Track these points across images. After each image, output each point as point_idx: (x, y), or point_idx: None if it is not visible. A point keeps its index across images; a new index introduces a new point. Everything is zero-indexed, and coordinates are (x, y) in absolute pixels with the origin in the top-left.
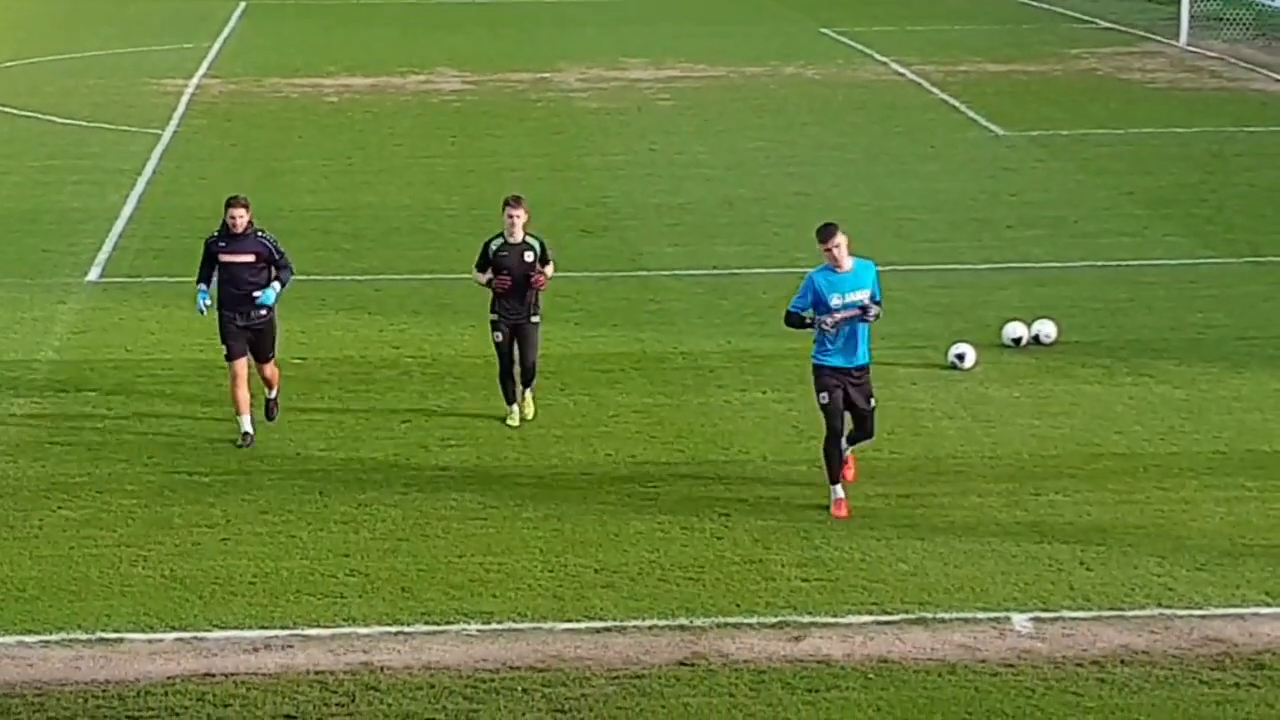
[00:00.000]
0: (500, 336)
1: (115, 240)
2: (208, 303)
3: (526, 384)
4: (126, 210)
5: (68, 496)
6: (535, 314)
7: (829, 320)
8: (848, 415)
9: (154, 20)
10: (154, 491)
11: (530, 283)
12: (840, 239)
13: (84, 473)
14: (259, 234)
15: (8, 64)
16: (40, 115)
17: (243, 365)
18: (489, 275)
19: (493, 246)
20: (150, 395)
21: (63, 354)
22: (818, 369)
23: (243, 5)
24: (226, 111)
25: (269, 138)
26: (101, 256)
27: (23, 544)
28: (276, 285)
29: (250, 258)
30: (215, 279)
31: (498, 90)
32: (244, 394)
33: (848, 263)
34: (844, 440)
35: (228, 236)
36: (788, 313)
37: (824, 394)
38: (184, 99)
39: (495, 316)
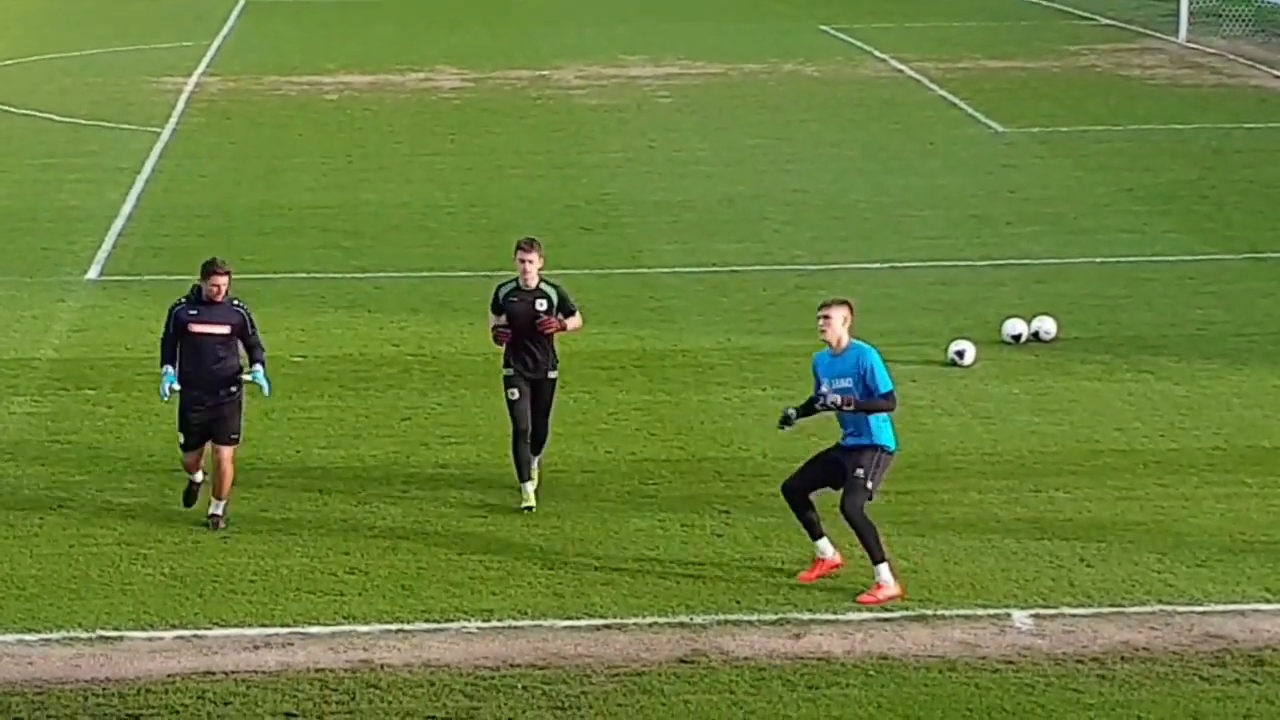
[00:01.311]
0: (516, 394)
1: (114, 238)
2: (175, 386)
3: (536, 450)
4: (126, 208)
5: (67, 495)
6: (553, 368)
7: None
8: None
9: (153, 18)
10: (154, 490)
11: (537, 327)
12: (833, 312)
13: (84, 471)
14: (234, 302)
15: (6, 62)
16: (39, 113)
17: (198, 457)
18: (500, 319)
19: (503, 291)
20: (150, 393)
21: (62, 352)
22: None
23: (242, 3)
24: (226, 109)
25: (268, 135)
26: (101, 255)
27: (23, 542)
28: (260, 367)
29: (225, 329)
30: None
31: (497, 88)
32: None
33: (840, 344)
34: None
35: (200, 304)
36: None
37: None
38: (183, 97)
39: (509, 371)
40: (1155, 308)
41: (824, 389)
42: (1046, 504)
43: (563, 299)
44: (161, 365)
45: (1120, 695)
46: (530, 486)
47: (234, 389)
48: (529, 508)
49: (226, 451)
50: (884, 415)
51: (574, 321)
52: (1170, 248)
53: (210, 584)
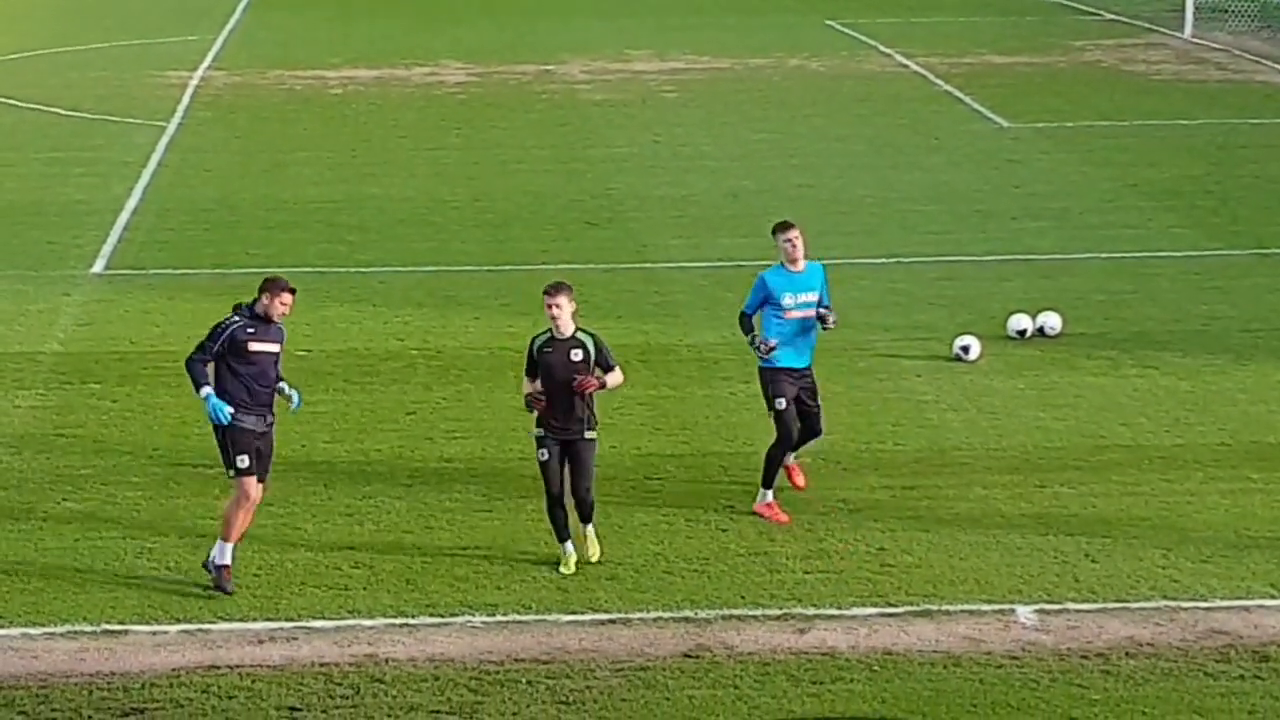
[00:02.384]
0: (546, 455)
1: (120, 232)
2: (231, 410)
3: (584, 520)
4: (131, 202)
5: (73, 488)
6: (590, 428)
7: (764, 346)
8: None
9: (158, 12)
10: (159, 484)
11: (575, 388)
12: (796, 234)
13: (89, 465)
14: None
15: (11, 56)
16: (45, 107)
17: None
18: (535, 386)
19: (537, 344)
20: (155, 387)
21: (68, 346)
22: (772, 372)
23: None
24: (231, 103)
25: (273, 130)
26: (106, 249)
27: (28, 536)
28: (285, 383)
29: (277, 347)
30: (218, 375)
31: (502, 82)
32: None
33: (802, 261)
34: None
35: (258, 321)
36: (741, 315)
37: (781, 399)
38: (188, 91)
39: (540, 431)
40: (1161, 303)
41: (804, 309)
42: (1051, 499)
43: (599, 350)
44: (199, 388)
45: (1125, 691)
46: (570, 546)
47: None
48: (569, 573)
49: (262, 487)
50: None
51: (614, 378)
52: (1176, 243)
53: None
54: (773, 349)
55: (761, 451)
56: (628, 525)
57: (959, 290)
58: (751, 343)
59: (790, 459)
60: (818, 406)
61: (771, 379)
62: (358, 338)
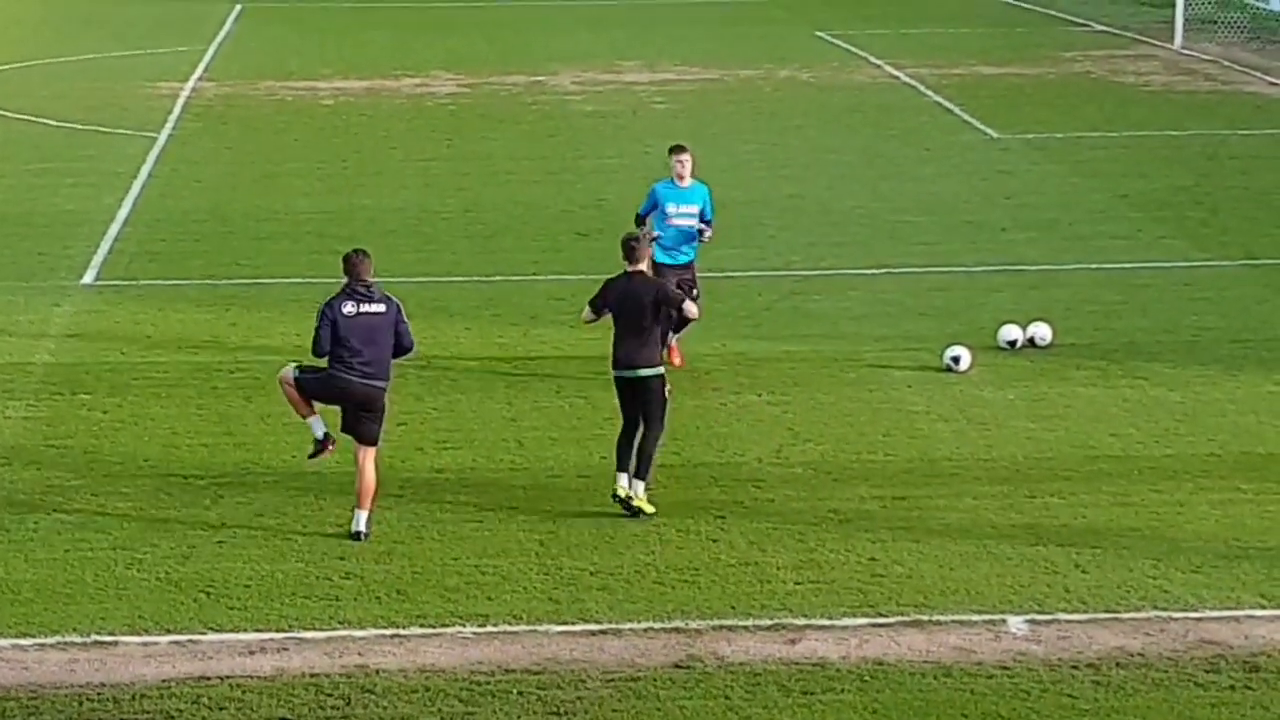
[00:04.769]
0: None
1: (110, 243)
2: None
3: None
4: (122, 213)
5: (63, 499)
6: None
7: (649, 236)
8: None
9: (149, 23)
10: (149, 494)
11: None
12: (687, 157)
13: (79, 476)
14: None
15: (2, 67)
16: (34, 118)
17: None
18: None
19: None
20: (146, 398)
21: (58, 357)
22: (658, 266)
23: (238, 8)
24: (222, 114)
25: (264, 141)
26: (96, 259)
27: (18, 547)
28: None
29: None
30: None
31: (493, 93)
32: None
33: (688, 180)
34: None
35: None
36: (637, 216)
37: None
38: (179, 102)
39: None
40: (1150, 314)
41: (685, 219)
42: (1042, 510)
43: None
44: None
45: (1115, 701)
46: (624, 478)
47: None
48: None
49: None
50: None
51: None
52: (1165, 254)
53: (205, 588)
54: (655, 238)
55: (752, 460)
56: (618, 535)
57: (949, 301)
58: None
59: (672, 339)
60: (694, 297)
61: (660, 271)
62: None
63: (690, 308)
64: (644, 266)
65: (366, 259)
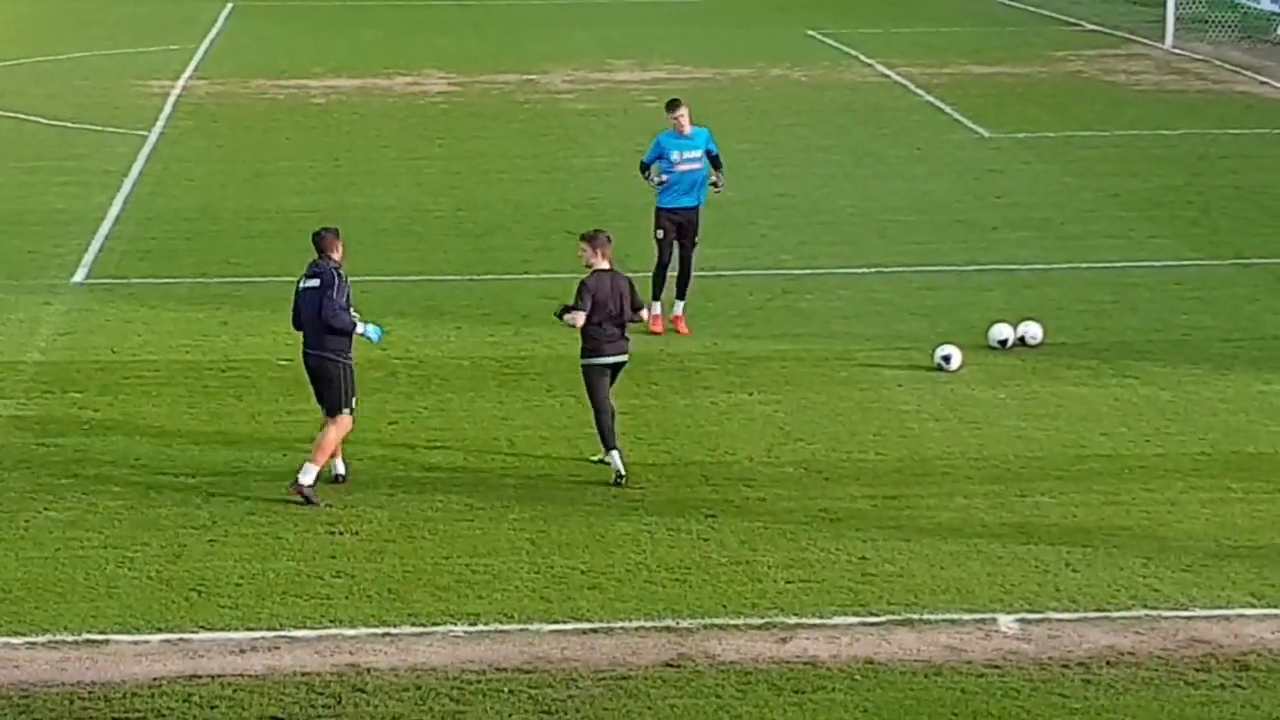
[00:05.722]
0: (662, 234)
1: (101, 242)
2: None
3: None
4: (113, 212)
5: (54, 498)
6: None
7: (655, 179)
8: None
9: (140, 22)
10: (140, 493)
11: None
12: (684, 111)
13: (70, 474)
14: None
15: None
16: (25, 116)
17: None
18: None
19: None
20: (136, 397)
21: (49, 355)
22: (660, 210)
23: (229, 6)
24: (213, 113)
25: (255, 139)
26: (87, 258)
27: (9, 545)
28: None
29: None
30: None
31: (485, 92)
32: None
33: (688, 129)
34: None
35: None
36: (641, 163)
37: (660, 230)
38: (170, 100)
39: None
40: (1141, 313)
41: (690, 164)
42: (1032, 509)
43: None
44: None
45: (1105, 700)
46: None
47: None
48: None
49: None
50: None
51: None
52: (1156, 253)
53: (196, 587)
54: (664, 182)
55: (743, 459)
56: (609, 534)
57: (940, 300)
58: (646, 177)
59: (655, 307)
60: (692, 244)
61: (659, 215)
62: None
63: (645, 313)
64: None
65: (330, 236)
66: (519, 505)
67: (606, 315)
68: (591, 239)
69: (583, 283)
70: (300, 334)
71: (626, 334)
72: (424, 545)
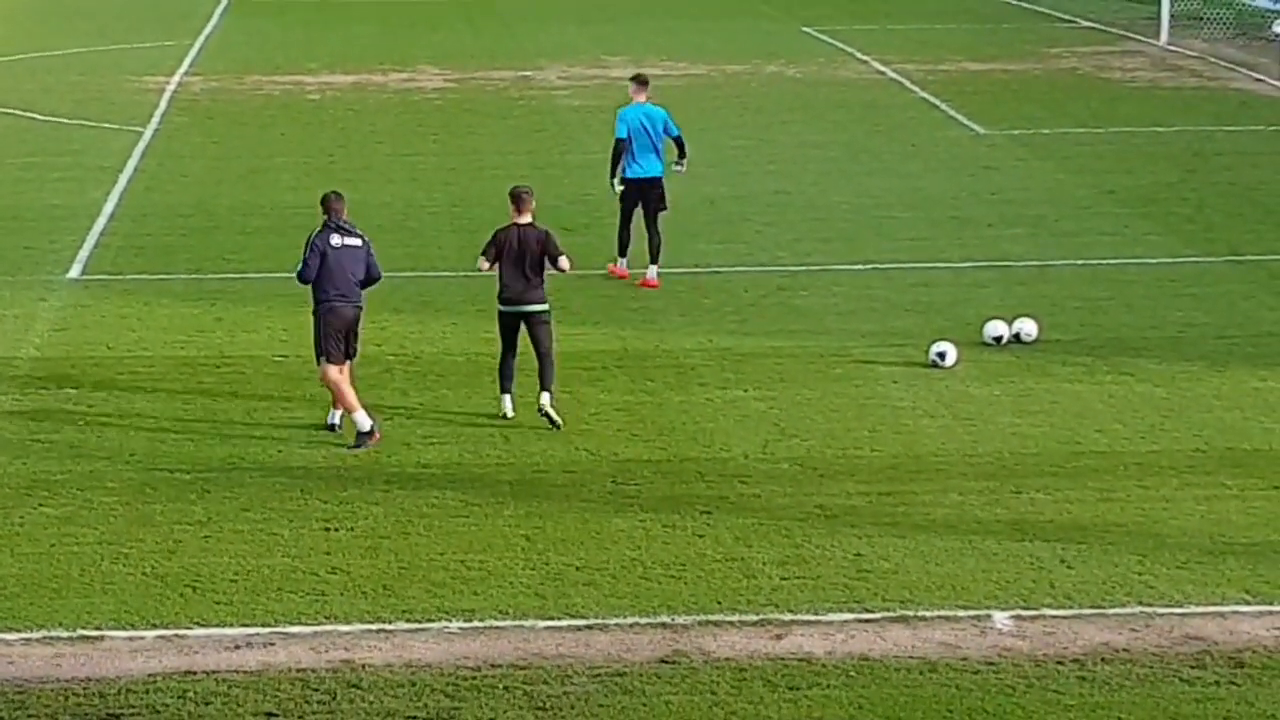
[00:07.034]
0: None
1: (96, 237)
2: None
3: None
4: (108, 207)
5: (49, 494)
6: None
7: (618, 187)
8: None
9: (135, 17)
10: (135, 489)
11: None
12: (644, 87)
13: (65, 470)
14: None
15: None
16: (21, 112)
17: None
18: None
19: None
20: (131, 392)
21: (44, 351)
22: (625, 181)
23: (225, 2)
24: (208, 109)
25: (251, 135)
26: (83, 254)
27: (3, 541)
28: None
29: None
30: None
31: (479, 88)
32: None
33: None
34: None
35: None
36: (616, 140)
37: (621, 185)
38: (165, 96)
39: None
40: (1136, 310)
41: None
42: (1027, 505)
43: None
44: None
45: (1100, 697)
46: (508, 399)
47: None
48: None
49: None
50: None
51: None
52: (1151, 250)
53: (191, 583)
54: (621, 191)
55: (738, 456)
56: (604, 530)
57: (935, 296)
58: (611, 175)
59: (621, 263)
60: (655, 212)
61: (625, 186)
62: None
63: (564, 263)
64: (530, 218)
65: (342, 200)
66: (514, 501)
67: (513, 264)
68: (513, 197)
69: (494, 234)
70: (310, 287)
71: (537, 284)
72: (419, 541)
